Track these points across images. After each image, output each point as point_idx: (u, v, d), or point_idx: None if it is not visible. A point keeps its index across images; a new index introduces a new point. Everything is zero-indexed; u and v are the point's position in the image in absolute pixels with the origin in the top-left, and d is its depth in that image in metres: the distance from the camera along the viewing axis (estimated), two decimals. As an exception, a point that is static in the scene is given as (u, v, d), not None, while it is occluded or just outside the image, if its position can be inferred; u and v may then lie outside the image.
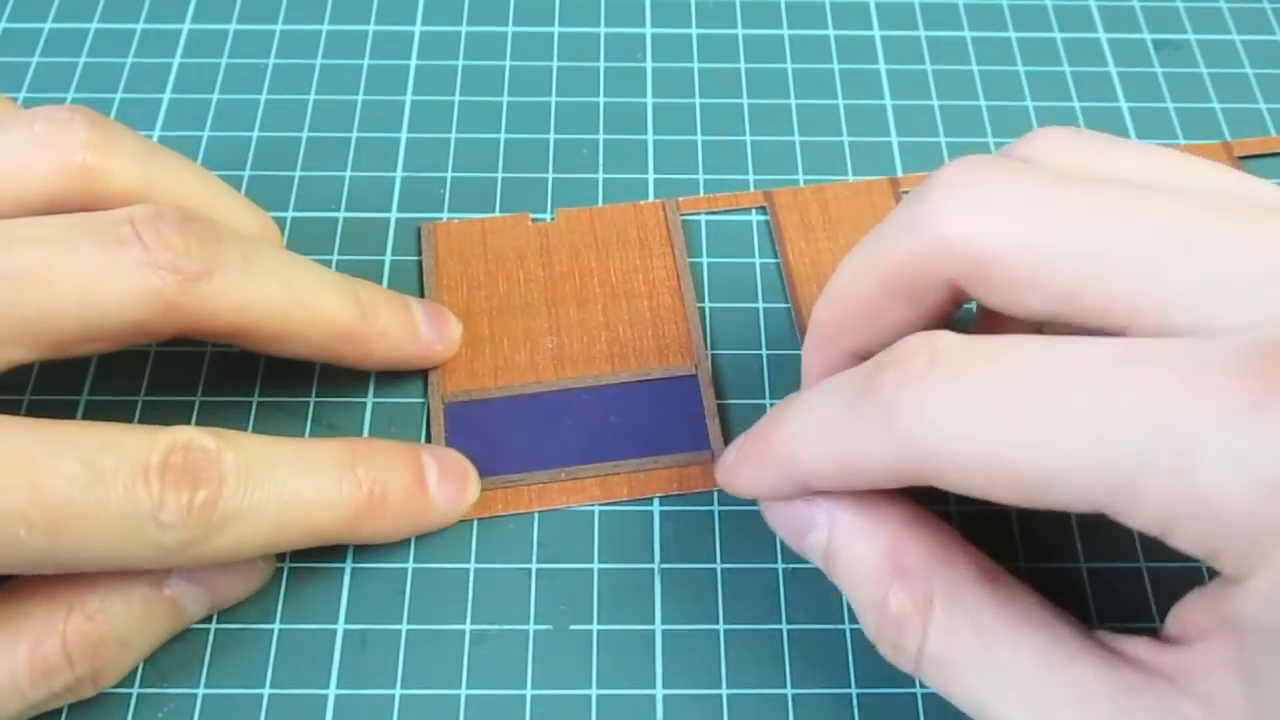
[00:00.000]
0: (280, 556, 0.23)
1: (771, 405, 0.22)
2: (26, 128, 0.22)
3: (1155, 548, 0.23)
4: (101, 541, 0.18)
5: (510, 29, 0.33)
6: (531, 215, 0.28)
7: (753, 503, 0.22)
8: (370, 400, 0.26)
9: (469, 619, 0.23)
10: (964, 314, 0.24)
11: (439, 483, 0.23)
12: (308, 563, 0.23)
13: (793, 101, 0.31)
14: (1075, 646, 0.17)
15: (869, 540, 0.19)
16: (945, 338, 0.17)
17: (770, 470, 0.20)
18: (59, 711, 0.21)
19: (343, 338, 0.23)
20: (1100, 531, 0.24)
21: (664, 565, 0.24)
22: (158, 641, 0.21)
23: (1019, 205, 0.18)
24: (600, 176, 0.29)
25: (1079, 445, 0.15)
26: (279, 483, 0.20)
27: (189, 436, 0.19)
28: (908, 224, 0.19)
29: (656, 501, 0.24)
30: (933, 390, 0.17)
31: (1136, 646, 0.17)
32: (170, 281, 0.20)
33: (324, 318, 0.23)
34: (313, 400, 0.25)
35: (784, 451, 0.19)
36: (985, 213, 0.18)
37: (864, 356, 0.20)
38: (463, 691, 0.22)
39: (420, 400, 0.26)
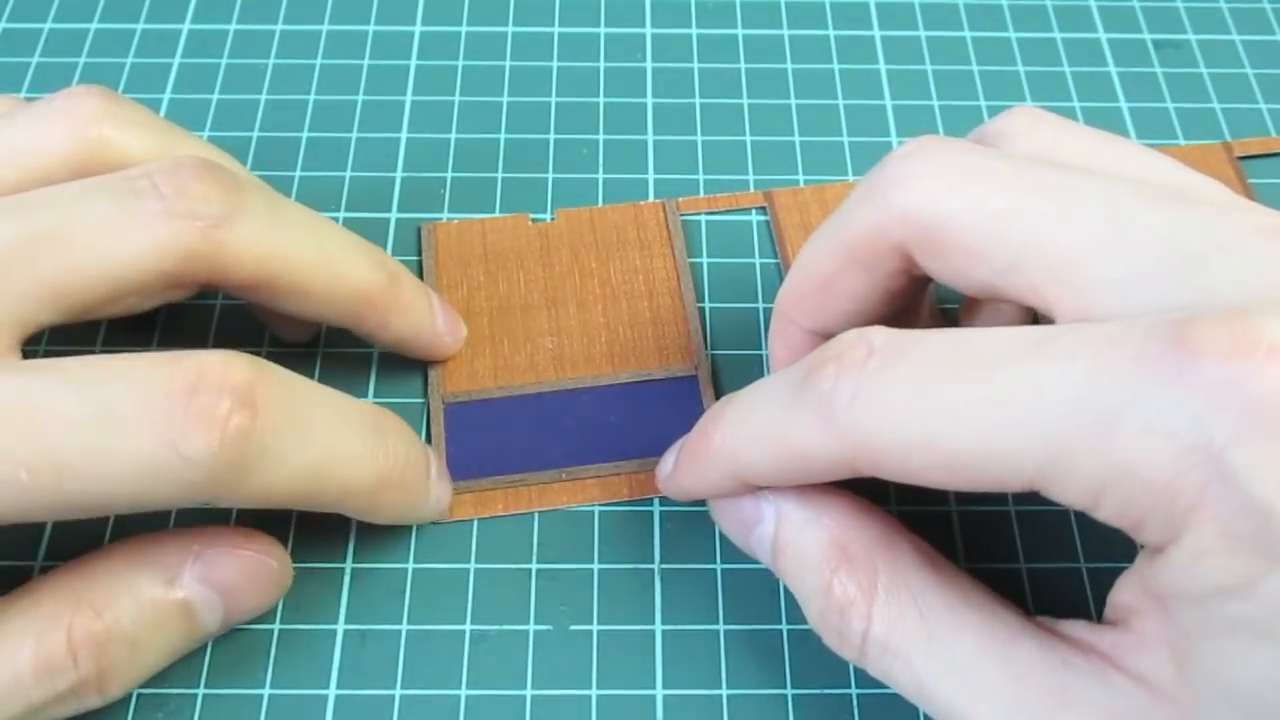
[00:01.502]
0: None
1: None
2: (46, 106, 0.22)
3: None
4: (116, 480, 0.17)
5: (510, 29, 0.33)
6: (531, 215, 0.28)
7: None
8: (370, 400, 0.26)
9: (469, 619, 0.23)
10: (952, 313, 0.24)
11: (436, 478, 0.23)
12: (308, 563, 0.23)
13: (793, 101, 0.31)
14: (1015, 628, 0.18)
15: (815, 529, 0.19)
16: (881, 332, 0.18)
17: (713, 470, 0.20)
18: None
19: (367, 301, 0.23)
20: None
21: (664, 565, 0.24)
22: (170, 651, 0.20)
23: (970, 177, 0.19)
24: (600, 176, 0.29)
25: (1006, 425, 0.16)
26: (320, 426, 0.19)
27: (221, 360, 0.18)
28: (865, 195, 0.20)
29: (656, 502, 0.24)
30: (870, 381, 0.17)
31: (1075, 628, 0.18)
32: (190, 229, 0.20)
33: (350, 276, 0.23)
34: (313, 400, 0.25)
35: (725, 450, 0.20)
36: (938, 182, 0.19)
37: (823, 336, 0.21)
38: (463, 691, 0.22)
39: (420, 400, 0.26)
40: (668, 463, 0.22)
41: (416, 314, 0.24)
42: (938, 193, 0.19)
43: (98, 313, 0.20)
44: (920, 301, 0.23)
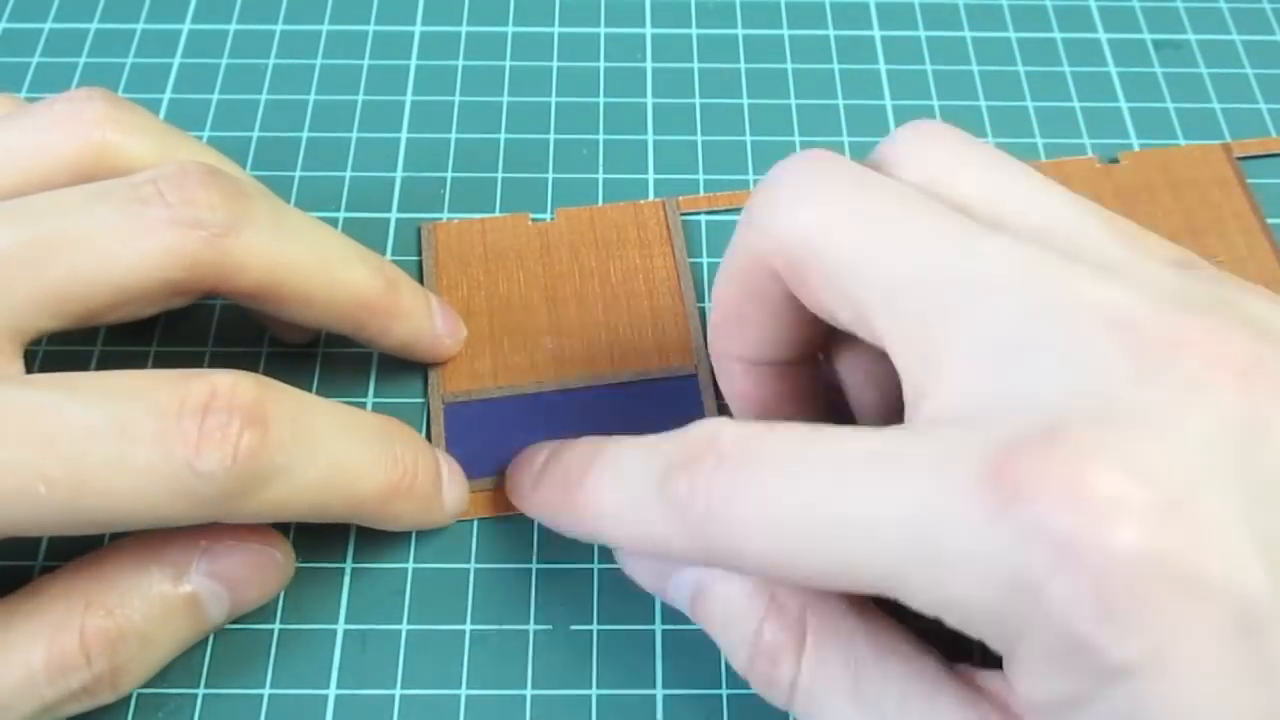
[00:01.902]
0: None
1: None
2: (48, 110, 0.22)
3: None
4: (131, 495, 0.18)
5: (510, 29, 0.33)
6: (531, 215, 0.28)
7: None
8: (370, 400, 0.26)
9: (469, 619, 0.23)
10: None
11: (449, 481, 0.23)
12: (308, 563, 0.23)
13: (793, 101, 0.31)
14: (938, 679, 0.18)
15: (739, 578, 0.19)
16: (729, 431, 0.17)
17: (581, 529, 0.20)
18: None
19: (367, 308, 0.23)
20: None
21: (664, 565, 0.24)
22: (178, 644, 0.21)
23: (842, 210, 0.18)
24: (600, 176, 0.29)
25: (844, 547, 0.16)
26: (327, 441, 0.20)
27: (230, 380, 0.18)
28: (744, 220, 0.19)
29: (656, 501, 0.24)
30: (718, 492, 0.17)
31: (994, 681, 0.17)
32: (196, 238, 0.20)
33: (351, 283, 0.23)
34: (313, 400, 0.25)
35: (589, 517, 0.20)
36: (810, 210, 0.18)
37: (766, 363, 0.21)
38: (463, 691, 0.22)
39: (420, 400, 0.26)
40: (525, 483, 0.22)
41: (416, 319, 0.24)
42: (809, 223, 0.18)
43: (100, 319, 0.20)
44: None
